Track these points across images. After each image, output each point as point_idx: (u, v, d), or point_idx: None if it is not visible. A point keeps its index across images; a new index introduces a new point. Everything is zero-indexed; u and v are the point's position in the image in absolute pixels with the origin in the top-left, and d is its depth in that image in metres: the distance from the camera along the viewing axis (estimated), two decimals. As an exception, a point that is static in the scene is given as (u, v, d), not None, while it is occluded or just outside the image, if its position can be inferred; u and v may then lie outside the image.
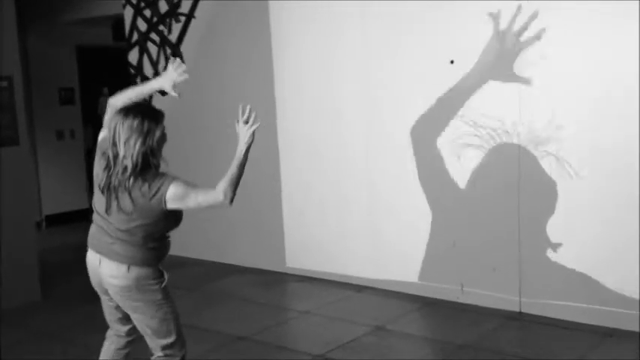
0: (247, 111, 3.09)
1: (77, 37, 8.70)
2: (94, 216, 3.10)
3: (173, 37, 6.65)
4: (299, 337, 4.78)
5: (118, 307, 3.18)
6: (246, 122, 3.10)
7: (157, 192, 2.89)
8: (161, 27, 6.73)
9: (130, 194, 2.89)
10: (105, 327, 3.37)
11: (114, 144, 2.89)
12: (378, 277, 5.54)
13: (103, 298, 3.21)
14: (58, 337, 4.84)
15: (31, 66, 8.31)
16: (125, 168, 2.87)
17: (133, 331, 3.27)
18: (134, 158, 2.85)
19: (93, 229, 3.12)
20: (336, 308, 5.22)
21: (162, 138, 2.98)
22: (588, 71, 4.40)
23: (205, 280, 6.12)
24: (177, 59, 3.34)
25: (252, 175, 6.19)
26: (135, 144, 2.85)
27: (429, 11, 5.00)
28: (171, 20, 6.64)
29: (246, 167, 3.12)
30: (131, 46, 7.04)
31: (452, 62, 4.94)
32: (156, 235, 3.05)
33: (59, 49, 8.60)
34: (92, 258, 3.11)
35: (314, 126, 5.77)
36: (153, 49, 6.84)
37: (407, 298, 5.29)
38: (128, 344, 3.33)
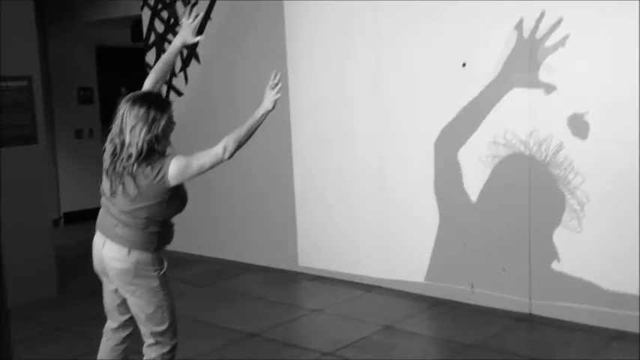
0: (277, 77, 3.20)
1: (96, 38, 8.83)
2: (102, 199, 3.20)
3: (189, 38, 6.72)
4: (309, 335, 4.83)
5: (117, 291, 3.25)
6: (273, 88, 3.19)
7: (158, 172, 2.97)
8: (178, 28, 6.81)
9: (134, 179, 2.99)
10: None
11: (121, 131, 2.98)
12: (388, 277, 5.57)
13: (105, 280, 3.28)
14: (71, 332, 4.94)
15: (52, 66, 8.45)
16: (130, 155, 2.96)
17: (130, 322, 3.34)
18: (139, 145, 2.94)
19: (101, 211, 3.22)
20: (346, 307, 5.26)
21: (168, 126, 3.05)
22: (598, 79, 4.42)
23: (218, 278, 6.20)
24: (189, 12, 3.41)
25: (266, 176, 6.31)
26: (140, 132, 2.94)
27: (442, 13, 5.03)
28: (187, 21, 6.71)
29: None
30: (149, 47, 7.14)
31: (464, 65, 4.97)
32: (158, 218, 3.11)
33: (79, 49, 8.73)
34: (97, 240, 3.21)
35: (327, 127, 5.82)
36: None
37: (416, 298, 5.32)
38: (125, 340, 3.38)
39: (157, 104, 3.02)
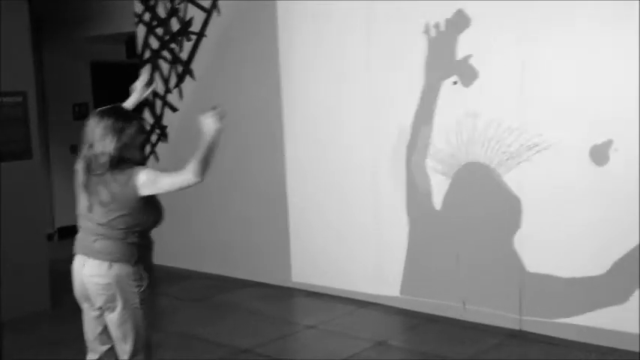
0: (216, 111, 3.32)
1: (91, 54, 8.88)
2: (79, 220, 3.25)
3: (184, 55, 6.80)
4: (300, 351, 4.84)
5: (99, 318, 3.27)
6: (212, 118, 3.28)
7: (129, 178, 3.07)
8: (172, 45, 6.88)
9: (107, 186, 3.08)
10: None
11: (91, 145, 3.11)
12: (381, 293, 5.60)
13: (86, 307, 3.31)
14: (64, 346, 4.94)
15: (47, 81, 8.49)
16: (103, 163, 3.08)
17: (111, 353, 3.33)
18: (111, 154, 3.07)
19: (78, 234, 3.27)
20: (339, 323, 5.28)
21: (137, 135, 3.18)
22: (587, 82, 4.49)
23: (212, 293, 6.21)
24: (147, 67, 3.58)
25: (260, 190, 6.34)
26: (111, 141, 3.08)
27: (433, 31, 5.10)
28: (182, 39, 6.79)
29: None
30: (143, 63, 7.19)
31: (455, 83, 5.03)
32: (136, 228, 3.16)
33: (74, 64, 8.77)
34: (77, 263, 3.24)
35: (321, 142, 5.87)
36: (164, 66, 6.98)
37: (409, 314, 5.35)
38: None
39: (124, 115, 3.19)
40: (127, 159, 3.12)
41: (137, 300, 3.17)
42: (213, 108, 3.33)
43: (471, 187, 5.05)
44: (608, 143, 4.40)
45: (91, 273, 3.17)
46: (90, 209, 3.16)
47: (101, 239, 3.14)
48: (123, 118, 3.15)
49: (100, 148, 3.08)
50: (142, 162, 3.25)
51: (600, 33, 4.40)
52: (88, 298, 3.25)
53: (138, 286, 3.17)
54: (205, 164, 3.10)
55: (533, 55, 4.65)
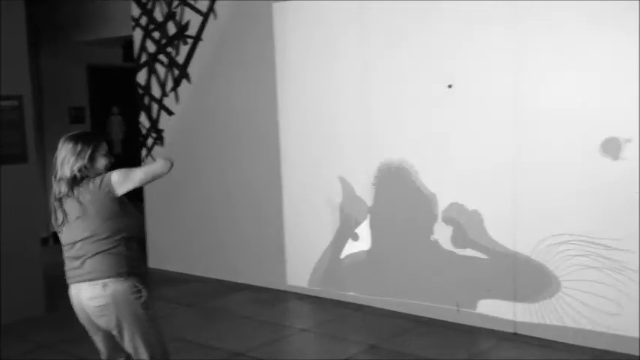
0: None
1: (88, 57, 8.90)
2: (64, 253, 3.26)
3: (181, 58, 6.81)
4: (294, 355, 4.84)
5: (108, 338, 3.29)
6: None
7: (102, 181, 3.14)
8: (169, 49, 6.89)
9: (77, 200, 3.13)
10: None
11: (56, 170, 3.22)
12: (374, 296, 5.61)
13: (92, 331, 3.32)
14: (59, 350, 4.94)
15: (43, 85, 8.50)
16: (65, 186, 3.16)
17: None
18: (70, 174, 3.16)
19: (66, 265, 3.26)
20: (332, 326, 5.29)
21: (94, 155, 3.23)
22: (588, 103, 4.50)
23: (206, 297, 6.21)
24: None
25: (255, 194, 6.35)
26: (69, 162, 3.18)
27: (428, 33, 5.12)
28: (179, 42, 6.80)
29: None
30: (140, 67, 7.21)
31: (450, 87, 5.05)
32: (120, 234, 3.17)
33: (71, 68, 8.79)
34: (73, 292, 3.25)
35: (317, 145, 5.88)
36: (161, 70, 7.00)
37: (403, 317, 5.35)
38: None
39: (83, 139, 3.26)
40: (89, 176, 3.19)
41: (141, 312, 3.17)
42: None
43: (467, 192, 5.06)
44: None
45: (87, 297, 3.17)
46: (65, 230, 3.20)
47: (88, 258, 3.15)
48: (82, 141, 3.23)
49: (61, 172, 3.19)
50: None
51: (600, 33, 4.42)
52: (92, 323, 3.25)
53: (137, 298, 3.17)
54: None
55: (529, 57, 4.68)
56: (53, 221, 3.26)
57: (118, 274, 3.15)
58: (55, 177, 3.22)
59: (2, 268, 5.45)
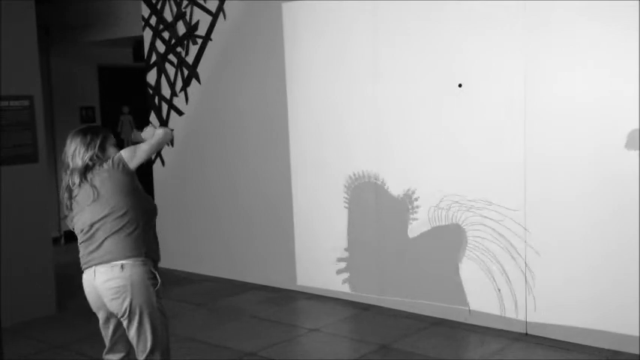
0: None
1: (99, 57, 8.93)
2: (78, 239, 3.31)
3: (190, 58, 6.82)
4: (305, 355, 4.84)
5: (116, 325, 3.33)
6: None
7: (114, 160, 3.25)
8: (179, 49, 6.90)
9: (91, 184, 3.21)
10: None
11: (67, 163, 3.28)
12: (385, 296, 5.60)
13: (102, 317, 3.35)
14: (69, 350, 4.96)
15: (54, 85, 8.53)
16: (78, 176, 3.23)
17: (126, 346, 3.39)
18: (82, 163, 3.24)
19: (80, 252, 3.31)
20: (343, 326, 5.29)
21: (104, 144, 3.32)
22: (596, 99, 4.48)
23: (216, 297, 6.22)
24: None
25: (265, 193, 6.36)
26: (80, 152, 3.26)
27: (438, 32, 5.11)
28: (188, 42, 6.81)
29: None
30: (150, 67, 7.22)
31: (460, 86, 5.03)
32: (137, 213, 3.23)
33: (81, 68, 8.82)
34: (87, 276, 3.27)
35: (325, 146, 5.88)
36: (170, 70, 7.01)
37: (414, 317, 5.34)
38: None
39: (92, 130, 3.37)
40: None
41: (154, 299, 3.21)
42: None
43: (477, 192, 5.05)
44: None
45: (103, 279, 3.19)
46: (81, 215, 3.24)
47: (106, 239, 3.18)
48: (91, 132, 3.32)
49: (73, 163, 3.26)
50: None
51: (609, 31, 4.39)
52: (103, 307, 3.28)
53: (153, 284, 3.23)
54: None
55: (537, 58, 4.66)
56: (66, 212, 3.31)
57: (136, 255, 3.19)
58: (67, 171, 3.28)
59: (14, 267, 5.48)
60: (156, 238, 3.40)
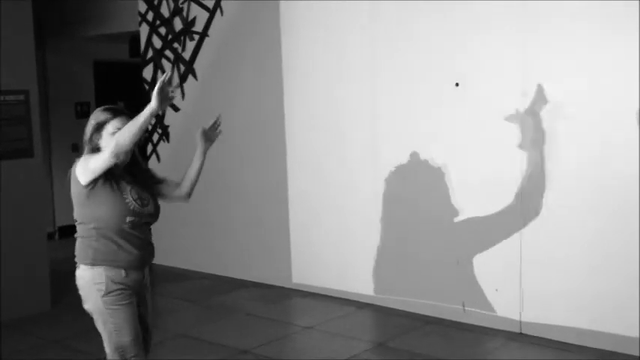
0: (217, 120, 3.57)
1: (95, 53, 8.88)
2: None
3: (187, 54, 6.80)
4: (299, 352, 4.84)
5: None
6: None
7: (71, 170, 3.12)
8: (175, 44, 6.88)
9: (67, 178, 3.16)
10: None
11: (84, 143, 3.20)
12: (380, 294, 5.60)
13: None
14: (64, 346, 4.95)
15: (49, 80, 8.49)
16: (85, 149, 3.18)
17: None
18: (86, 138, 3.17)
19: None
20: (338, 324, 5.28)
21: (99, 125, 3.15)
22: (594, 102, 4.48)
23: (211, 294, 6.21)
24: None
25: (260, 193, 6.34)
26: (90, 129, 3.17)
27: (437, 31, 5.10)
28: (185, 38, 6.79)
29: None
30: (146, 63, 7.19)
31: (457, 85, 5.03)
32: (92, 224, 3.11)
33: (77, 63, 8.77)
34: None
35: (321, 146, 5.87)
36: (167, 65, 6.98)
37: (409, 316, 5.34)
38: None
39: (109, 110, 3.21)
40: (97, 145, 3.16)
41: (99, 304, 3.11)
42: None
43: (474, 191, 5.05)
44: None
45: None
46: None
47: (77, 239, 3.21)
48: (108, 111, 3.18)
49: (87, 140, 3.16)
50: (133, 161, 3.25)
51: (611, 31, 4.39)
52: None
53: (98, 290, 3.11)
54: (124, 140, 2.89)
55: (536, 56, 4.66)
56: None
57: (82, 261, 3.17)
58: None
59: (8, 263, 5.45)
60: (126, 243, 3.15)
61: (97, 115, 3.17)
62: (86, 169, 3.03)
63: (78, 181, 3.06)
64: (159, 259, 7.63)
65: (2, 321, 5.26)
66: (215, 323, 5.41)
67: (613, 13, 4.33)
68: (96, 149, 3.12)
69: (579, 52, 4.48)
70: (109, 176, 3.07)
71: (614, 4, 4.31)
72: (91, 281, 3.12)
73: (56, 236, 8.50)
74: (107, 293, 3.10)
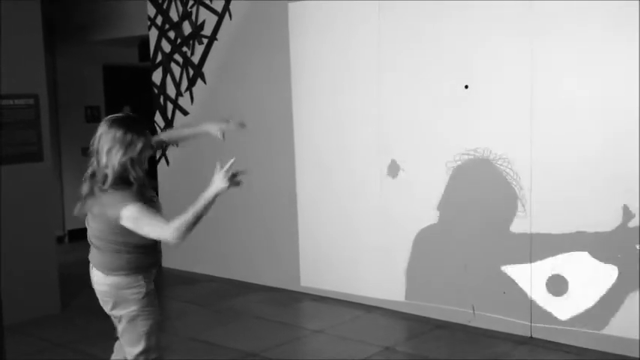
0: (229, 165, 3.20)
1: (104, 57, 8.93)
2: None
3: (196, 58, 6.81)
4: (309, 356, 4.83)
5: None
6: (227, 174, 3.16)
7: (117, 204, 2.94)
8: (184, 48, 6.90)
9: (98, 200, 3.00)
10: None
11: (97, 152, 2.99)
12: (389, 298, 5.58)
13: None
14: (73, 349, 4.95)
15: (59, 84, 8.53)
16: (106, 176, 2.97)
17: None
18: (115, 168, 2.96)
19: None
20: (347, 328, 5.27)
21: (145, 150, 3.05)
22: (599, 105, 4.46)
23: (220, 297, 6.21)
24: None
25: (269, 195, 6.34)
26: (117, 154, 2.96)
27: (445, 35, 5.09)
28: (194, 42, 6.80)
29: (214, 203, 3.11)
30: (155, 67, 7.22)
31: (466, 87, 5.02)
32: (126, 246, 3.07)
33: (87, 67, 8.82)
34: (90, 269, 3.27)
35: (331, 147, 5.86)
36: (176, 69, 7.00)
37: (418, 319, 5.33)
38: None
39: (134, 127, 3.03)
40: (129, 176, 3.00)
41: (134, 307, 3.13)
42: (228, 165, 3.19)
43: (482, 194, 5.03)
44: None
45: (94, 279, 3.22)
46: (88, 218, 3.15)
47: (96, 251, 3.16)
48: (133, 130, 2.99)
49: (105, 160, 2.97)
50: (143, 181, 3.09)
51: (616, 30, 4.38)
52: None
53: (137, 293, 3.13)
54: (189, 228, 2.92)
55: (543, 59, 4.65)
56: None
57: (119, 271, 3.14)
58: (93, 164, 3.01)
59: (18, 266, 5.47)
60: (153, 252, 3.23)
61: (114, 133, 2.97)
62: (137, 225, 2.93)
63: (119, 217, 2.94)
64: (168, 262, 7.67)
65: (12, 323, 5.27)
66: (224, 327, 5.41)
67: (620, 13, 4.31)
68: (120, 168, 2.96)
69: (586, 53, 4.47)
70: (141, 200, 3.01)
71: (621, 4, 4.29)
72: (126, 287, 3.11)
73: (66, 239, 8.53)
74: (145, 295, 3.14)
